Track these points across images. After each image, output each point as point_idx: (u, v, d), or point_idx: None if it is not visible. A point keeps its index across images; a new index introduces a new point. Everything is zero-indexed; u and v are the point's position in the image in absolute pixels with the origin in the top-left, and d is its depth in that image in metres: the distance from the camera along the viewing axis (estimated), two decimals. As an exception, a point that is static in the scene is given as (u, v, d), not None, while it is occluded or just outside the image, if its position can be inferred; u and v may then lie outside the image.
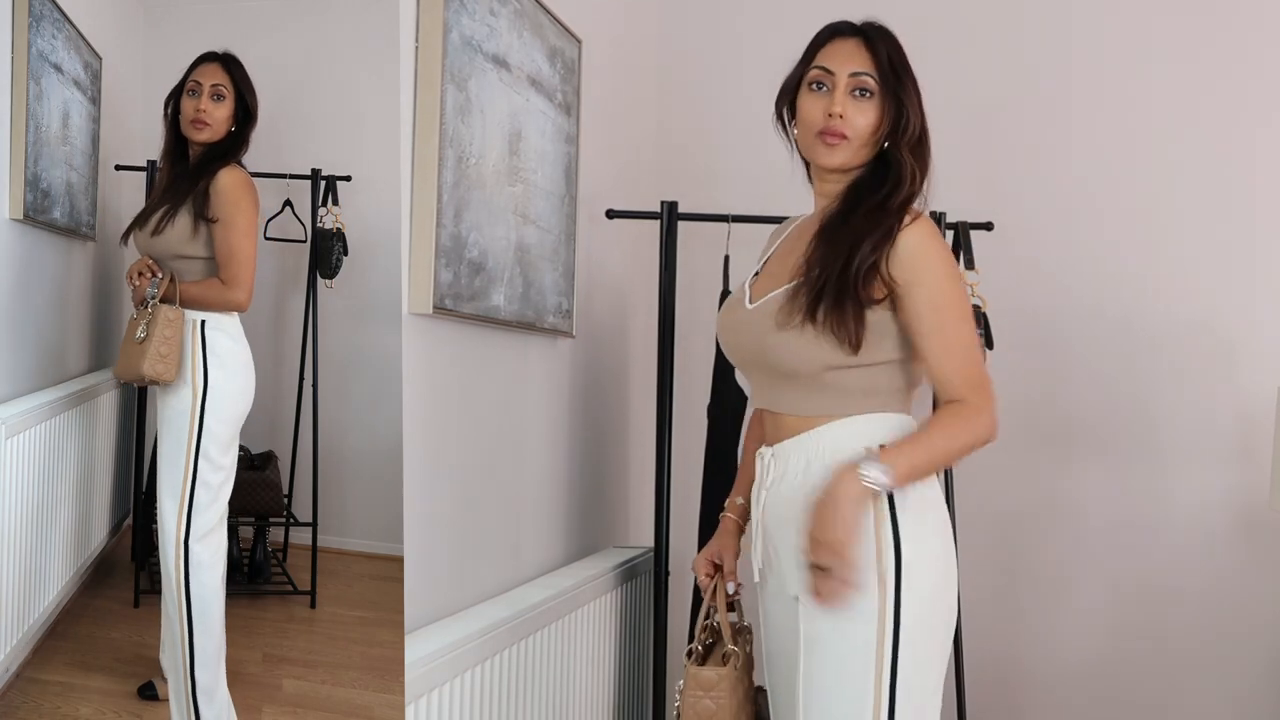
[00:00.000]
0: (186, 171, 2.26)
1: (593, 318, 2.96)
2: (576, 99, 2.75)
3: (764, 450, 2.08)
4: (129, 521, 2.48)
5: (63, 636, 2.25)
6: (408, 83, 2.10)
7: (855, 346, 1.96)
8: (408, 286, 2.11)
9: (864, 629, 1.93)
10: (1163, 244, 3.27)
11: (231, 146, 2.27)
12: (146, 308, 2.19)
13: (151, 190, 2.31)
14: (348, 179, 2.51)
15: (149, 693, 2.30)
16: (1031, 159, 3.33)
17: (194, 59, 2.29)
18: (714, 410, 2.82)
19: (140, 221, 2.25)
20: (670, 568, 2.83)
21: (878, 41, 2.05)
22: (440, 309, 2.14)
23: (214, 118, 2.23)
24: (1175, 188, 3.26)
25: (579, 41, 2.74)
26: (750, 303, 2.09)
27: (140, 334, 2.15)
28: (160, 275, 2.20)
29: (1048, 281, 3.31)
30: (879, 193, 2.03)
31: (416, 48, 2.11)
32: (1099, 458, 3.31)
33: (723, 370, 2.80)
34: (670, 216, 2.82)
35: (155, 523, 2.45)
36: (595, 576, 2.63)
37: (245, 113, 2.27)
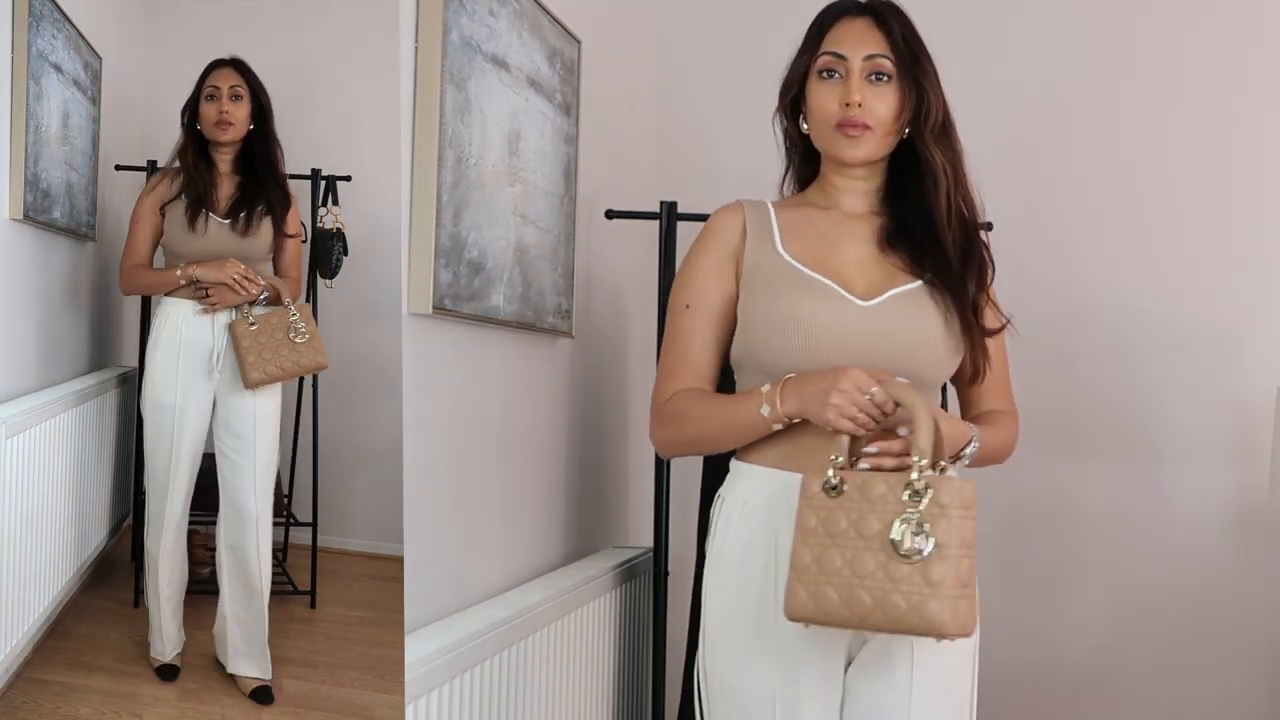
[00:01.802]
0: (239, 171, 2.36)
1: (592, 318, 2.96)
2: (576, 99, 2.75)
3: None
4: (129, 521, 2.48)
5: (63, 636, 2.25)
6: (407, 83, 2.11)
7: (980, 378, 1.95)
8: (407, 287, 2.11)
9: (964, 659, 1.96)
10: (1162, 244, 3.27)
11: (268, 149, 2.37)
12: (252, 309, 2.34)
13: (184, 179, 2.33)
14: (348, 179, 2.51)
15: (171, 674, 2.35)
16: (1031, 159, 3.33)
17: (204, 67, 2.34)
18: (713, 410, 2.81)
19: (229, 218, 2.33)
20: (670, 568, 2.83)
21: (890, 19, 1.90)
22: (440, 309, 2.14)
23: (236, 117, 2.32)
24: (1175, 187, 3.26)
25: (578, 42, 2.74)
26: (863, 299, 1.88)
27: (300, 333, 2.32)
28: (259, 279, 2.35)
29: (1047, 281, 3.31)
30: (925, 195, 1.91)
31: (416, 48, 2.11)
32: (1098, 457, 3.31)
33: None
34: (669, 217, 2.82)
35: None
36: (595, 577, 2.63)
37: (260, 109, 2.35)
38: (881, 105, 1.87)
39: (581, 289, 2.85)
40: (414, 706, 1.92)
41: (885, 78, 1.88)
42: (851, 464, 1.75)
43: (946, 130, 1.92)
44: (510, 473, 2.51)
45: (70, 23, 2.15)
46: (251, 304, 2.34)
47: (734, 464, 1.98)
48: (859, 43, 1.89)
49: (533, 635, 2.32)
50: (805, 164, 2.03)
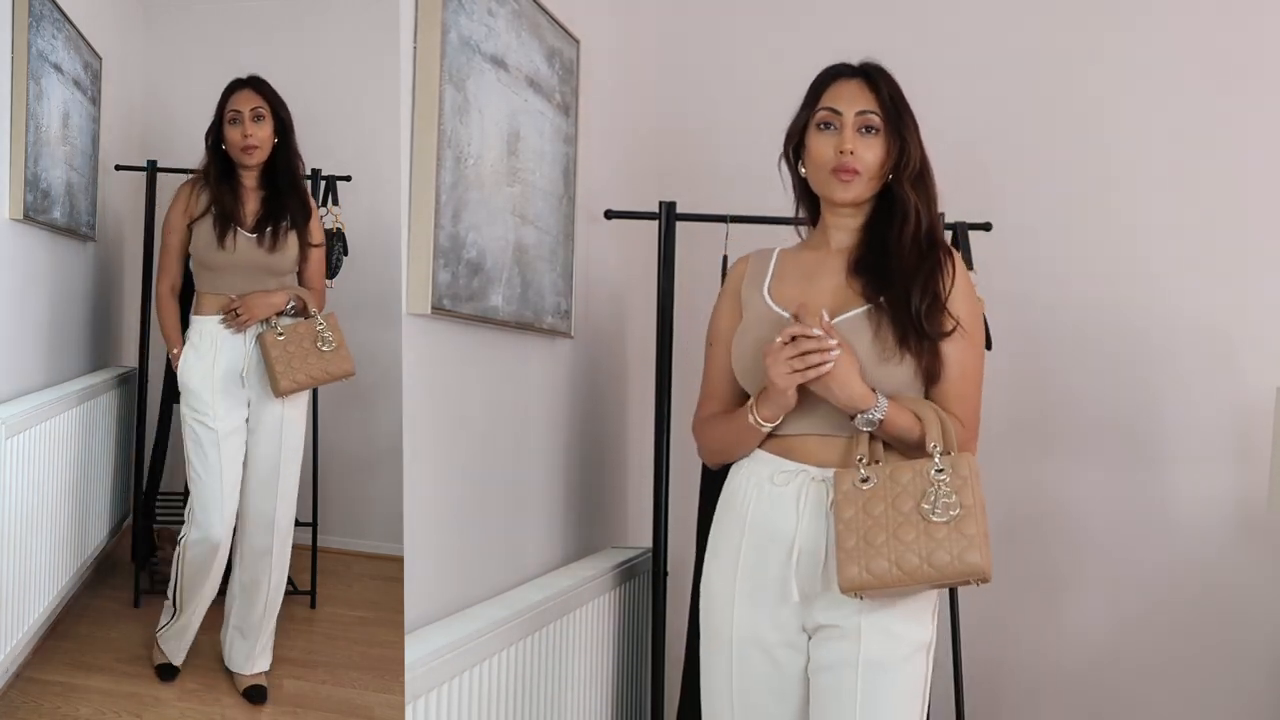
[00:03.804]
0: (263, 186, 2.42)
1: (591, 318, 2.97)
2: (575, 99, 2.76)
3: (814, 470, 2.12)
4: (129, 521, 2.48)
5: (63, 636, 2.26)
6: (406, 83, 2.11)
7: (935, 379, 2.12)
8: (406, 287, 2.11)
9: (922, 658, 2.12)
10: (1162, 244, 3.27)
11: (290, 163, 2.43)
12: (279, 320, 2.42)
13: (209, 195, 2.37)
14: (348, 179, 2.51)
15: (170, 674, 2.35)
16: (1030, 159, 3.33)
17: (224, 89, 2.38)
18: (713, 410, 2.82)
19: (256, 233, 2.39)
20: (669, 568, 2.83)
21: (879, 81, 2.17)
22: (439, 309, 2.15)
23: (260, 138, 2.39)
24: (1174, 187, 3.26)
25: (577, 42, 2.74)
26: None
27: (328, 342, 2.43)
28: (293, 295, 2.43)
29: (1046, 282, 3.31)
30: (894, 228, 2.16)
31: (415, 48, 2.11)
32: (1098, 458, 3.32)
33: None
34: (668, 217, 2.82)
35: (154, 522, 2.46)
36: (594, 577, 2.63)
37: (282, 125, 2.41)
38: (870, 154, 2.15)
39: (580, 289, 2.85)
40: (414, 706, 1.92)
41: (874, 130, 2.16)
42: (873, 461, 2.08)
43: (923, 175, 2.19)
44: (510, 473, 2.51)
45: (70, 23, 2.15)
46: (279, 315, 2.41)
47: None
48: (852, 100, 2.17)
49: (532, 635, 2.32)
50: (814, 205, 2.27)
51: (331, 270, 2.52)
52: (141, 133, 2.41)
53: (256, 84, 2.38)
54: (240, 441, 2.42)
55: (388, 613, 2.29)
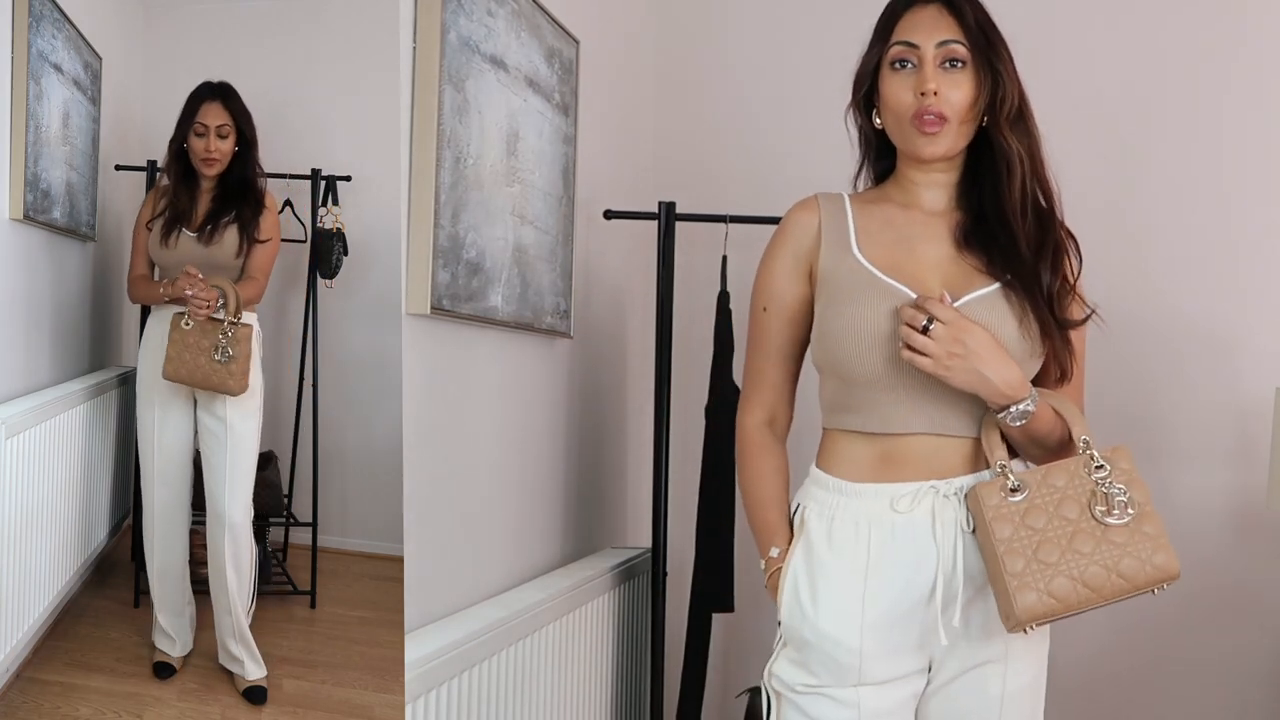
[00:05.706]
0: (218, 190, 2.39)
1: (590, 318, 2.97)
2: (574, 100, 2.76)
3: (940, 484, 1.82)
4: (129, 521, 2.48)
5: (63, 636, 2.25)
6: (406, 83, 2.11)
7: (1067, 376, 1.87)
8: (406, 287, 2.11)
9: (1043, 663, 1.99)
10: (1161, 243, 3.27)
11: (247, 176, 2.41)
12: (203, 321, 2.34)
13: (168, 198, 2.36)
14: (348, 179, 2.51)
15: (166, 673, 2.35)
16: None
17: (191, 94, 2.35)
18: (712, 410, 2.82)
19: (197, 231, 2.37)
20: (668, 568, 2.83)
21: (962, 4, 1.85)
22: (438, 309, 2.15)
23: (222, 152, 2.37)
24: (1174, 187, 3.26)
25: (576, 42, 2.74)
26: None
27: (223, 355, 2.33)
28: (221, 288, 2.35)
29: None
30: (999, 185, 1.86)
31: (414, 48, 2.11)
32: (1096, 457, 3.32)
33: (720, 369, 2.80)
34: (668, 217, 2.82)
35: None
36: (593, 577, 2.63)
37: (245, 141, 2.39)
38: (957, 93, 1.83)
39: (580, 289, 2.85)
40: (414, 706, 1.93)
41: (960, 64, 1.84)
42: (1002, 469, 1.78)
43: (1023, 115, 1.88)
44: (509, 473, 2.51)
45: (70, 23, 2.15)
46: (231, 318, 2.36)
47: (816, 472, 1.94)
48: (931, 30, 1.84)
49: (532, 635, 2.32)
50: (880, 159, 1.98)
51: (331, 270, 2.52)
52: (141, 133, 2.41)
53: (225, 98, 2.36)
54: (182, 428, 2.40)
55: (388, 613, 2.28)
